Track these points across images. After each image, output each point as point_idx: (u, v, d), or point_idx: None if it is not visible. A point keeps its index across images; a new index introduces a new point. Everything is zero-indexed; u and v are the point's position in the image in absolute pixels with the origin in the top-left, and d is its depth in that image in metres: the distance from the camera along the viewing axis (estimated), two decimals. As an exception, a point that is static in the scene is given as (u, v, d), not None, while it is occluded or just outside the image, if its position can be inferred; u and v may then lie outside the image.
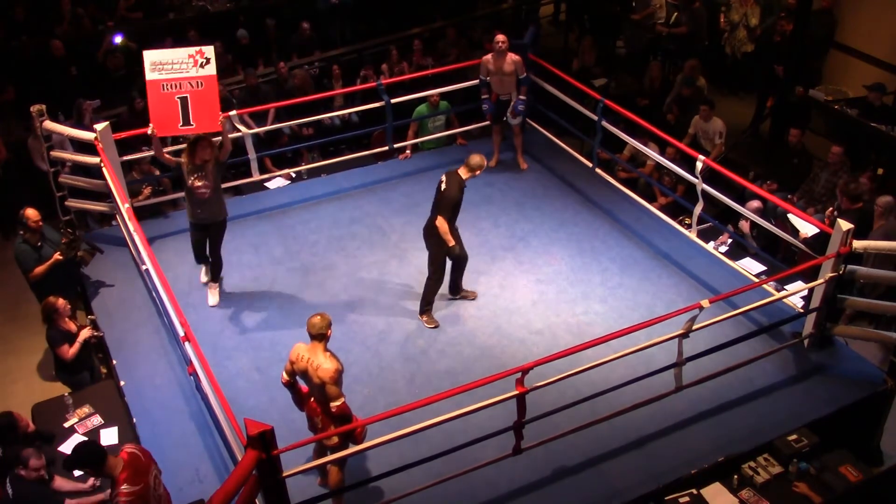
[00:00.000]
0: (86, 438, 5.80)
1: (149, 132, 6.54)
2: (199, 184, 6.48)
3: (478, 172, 6.71)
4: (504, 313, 7.01)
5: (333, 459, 4.99)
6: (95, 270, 7.46)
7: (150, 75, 6.28)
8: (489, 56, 8.34)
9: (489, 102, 8.61)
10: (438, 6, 12.48)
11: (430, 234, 6.75)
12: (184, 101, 6.27)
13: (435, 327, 6.89)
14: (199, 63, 6.16)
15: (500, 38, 8.23)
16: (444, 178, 6.72)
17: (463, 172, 6.69)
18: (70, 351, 6.35)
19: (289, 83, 10.16)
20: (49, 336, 6.37)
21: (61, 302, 6.37)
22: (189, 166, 6.47)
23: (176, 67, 6.20)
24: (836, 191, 7.88)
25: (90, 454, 4.53)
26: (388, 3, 12.21)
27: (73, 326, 6.42)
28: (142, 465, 4.53)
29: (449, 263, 6.92)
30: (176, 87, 6.26)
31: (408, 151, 9.32)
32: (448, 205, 6.62)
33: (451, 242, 6.63)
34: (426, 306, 6.93)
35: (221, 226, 6.86)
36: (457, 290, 7.17)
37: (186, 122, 6.37)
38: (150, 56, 6.35)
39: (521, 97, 8.46)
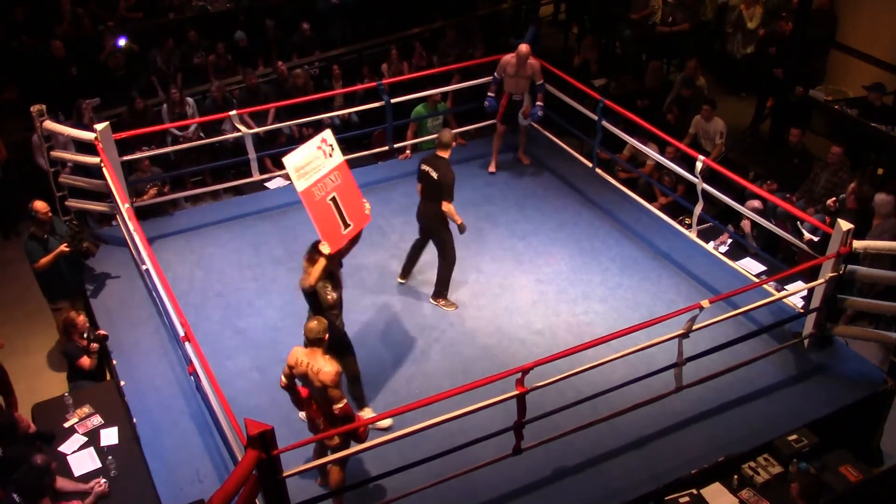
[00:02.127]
0: (86, 439, 5.82)
1: (325, 252, 5.34)
2: (335, 294, 5.55)
3: (454, 145, 6.83)
4: (504, 313, 7.02)
5: (334, 459, 5.00)
6: (96, 270, 7.46)
7: (300, 185, 5.27)
8: (511, 58, 8.35)
9: (492, 100, 8.63)
10: (438, 6, 12.48)
11: (432, 221, 6.83)
12: (334, 200, 5.40)
13: (455, 309, 6.99)
14: (327, 153, 5.31)
15: (524, 49, 8.24)
16: (426, 166, 6.73)
17: (443, 153, 6.74)
18: (89, 362, 6.42)
19: (289, 83, 10.15)
20: (67, 351, 6.45)
21: (81, 318, 6.46)
22: (324, 282, 5.47)
23: (315, 166, 5.31)
24: (837, 189, 7.89)
25: (31, 486, 4.79)
26: (388, 3, 12.21)
27: (84, 342, 6.48)
28: None
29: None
30: (323, 188, 5.36)
31: (408, 151, 9.32)
32: (450, 188, 6.68)
33: (460, 220, 6.73)
34: (443, 290, 7.02)
35: None
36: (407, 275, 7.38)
37: (345, 223, 5.47)
38: (291, 162, 5.33)
39: (539, 104, 8.54)
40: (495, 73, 8.54)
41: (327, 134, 5.61)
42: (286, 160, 5.38)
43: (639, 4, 11.74)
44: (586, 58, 11.09)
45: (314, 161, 5.42)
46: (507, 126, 8.83)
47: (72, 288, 7.15)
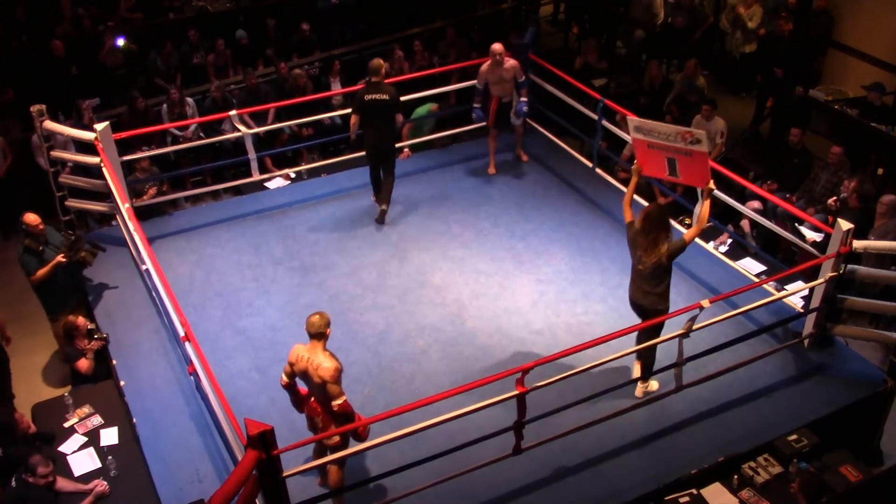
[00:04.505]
0: (86, 439, 5.82)
1: (633, 167, 6.20)
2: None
3: (383, 71, 7.64)
4: (504, 313, 7.01)
5: (334, 459, 5.00)
6: (96, 271, 7.45)
7: (633, 134, 6.03)
8: (486, 66, 8.32)
9: (478, 111, 8.58)
10: (438, 6, 12.48)
11: (389, 144, 7.89)
12: (671, 161, 5.94)
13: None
14: (689, 140, 5.69)
15: (497, 48, 8.20)
16: (372, 94, 7.51)
17: (377, 79, 7.54)
18: (86, 365, 6.43)
19: (289, 83, 10.16)
20: (67, 354, 6.49)
21: (81, 321, 6.48)
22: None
23: (663, 138, 5.82)
24: (837, 189, 7.88)
25: None
26: (388, 3, 12.21)
27: (83, 343, 6.48)
28: None
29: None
30: (663, 149, 5.90)
31: (407, 150, 9.31)
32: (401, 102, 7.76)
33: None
34: (389, 197, 8.17)
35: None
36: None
37: (673, 173, 6.03)
38: (633, 122, 6.04)
39: (523, 99, 8.50)
40: (476, 84, 8.50)
41: (700, 133, 5.74)
42: (630, 119, 6.13)
43: (641, 7, 11.74)
44: (588, 61, 11.07)
45: (664, 135, 5.82)
46: (500, 130, 8.80)
47: (71, 300, 7.06)
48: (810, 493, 5.19)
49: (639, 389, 6.05)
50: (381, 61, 7.66)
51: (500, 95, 8.50)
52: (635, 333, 5.73)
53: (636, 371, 6.06)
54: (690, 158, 5.80)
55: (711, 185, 5.77)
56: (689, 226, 7.89)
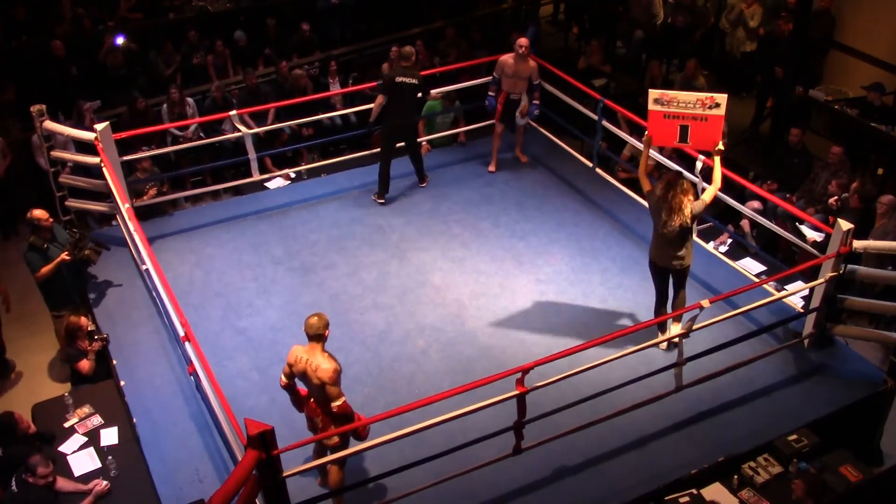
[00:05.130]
0: (86, 439, 5.82)
1: (643, 138, 6.53)
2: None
3: (413, 58, 8.12)
4: (504, 313, 7.01)
5: (334, 459, 5.00)
6: (96, 270, 7.45)
7: (652, 107, 6.27)
8: (509, 58, 8.36)
9: (492, 99, 8.63)
10: (438, 6, 12.48)
11: (415, 124, 8.41)
12: (684, 128, 6.26)
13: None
14: (708, 106, 6.06)
15: (523, 42, 8.29)
16: (402, 78, 7.88)
17: (407, 63, 7.98)
18: (87, 366, 6.43)
19: (289, 83, 10.15)
20: (69, 354, 6.48)
21: (83, 321, 6.47)
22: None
23: (682, 105, 6.14)
24: (837, 189, 7.89)
25: None
26: (388, 3, 12.21)
27: (85, 344, 6.49)
28: None
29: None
30: (678, 117, 6.23)
31: (427, 145, 9.34)
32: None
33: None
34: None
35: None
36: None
37: (683, 140, 6.34)
38: (653, 94, 6.28)
39: (536, 101, 8.57)
40: (494, 73, 8.54)
41: (721, 97, 6.07)
42: (651, 91, 6.27)
43: (641, 7, 11.74)
44: (591, 63, 11.06)
45: (684, 103, 6.15)
46: (505, 126, 8.82)
47: (74, 296, 7.07)
48: (815, 493, 5.19)
49: (673, 330, 6.27)
50: (412, 48, 8.17)
51: (509, 91, 8.52)
52: (635, 333, 5.71)
53: (673, 330, 6.34)
54: (705, 124, 6.12)
55: (721, 146, 6.13)
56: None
